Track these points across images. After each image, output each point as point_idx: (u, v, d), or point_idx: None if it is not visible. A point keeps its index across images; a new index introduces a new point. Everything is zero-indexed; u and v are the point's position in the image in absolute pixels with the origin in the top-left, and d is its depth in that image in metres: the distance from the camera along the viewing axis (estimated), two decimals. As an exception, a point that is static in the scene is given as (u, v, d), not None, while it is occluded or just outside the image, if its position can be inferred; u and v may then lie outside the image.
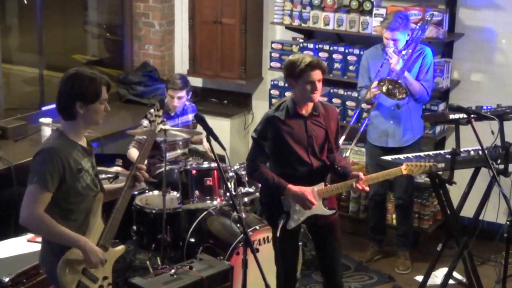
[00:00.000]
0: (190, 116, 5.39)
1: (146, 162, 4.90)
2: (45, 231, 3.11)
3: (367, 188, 3.85)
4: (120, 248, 3.39)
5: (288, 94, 5.88)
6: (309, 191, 3.81)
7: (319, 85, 3.79)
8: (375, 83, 4.88)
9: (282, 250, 3.89)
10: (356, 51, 5.64)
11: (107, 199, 3.34)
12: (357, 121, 5.33)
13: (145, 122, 5.17)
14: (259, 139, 3.85)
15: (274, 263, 4.13)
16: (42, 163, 3.07)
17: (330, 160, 3.94)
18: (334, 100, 5.72)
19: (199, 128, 3.79)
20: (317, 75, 3.76)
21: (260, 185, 4.76)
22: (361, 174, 3.82)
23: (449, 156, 4.36)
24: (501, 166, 4.40)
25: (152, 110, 3.87)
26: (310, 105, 3.87)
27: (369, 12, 5.58)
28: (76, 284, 3.14)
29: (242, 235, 4.01)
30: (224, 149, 3.58)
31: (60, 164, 3.07)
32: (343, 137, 4.95)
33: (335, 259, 4.07)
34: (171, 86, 5.23)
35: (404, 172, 3.96)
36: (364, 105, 5.33)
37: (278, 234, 3.77)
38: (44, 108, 5.83)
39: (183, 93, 5.24)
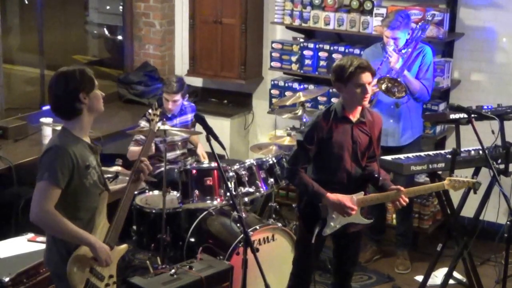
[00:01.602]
0: (190, 116, 5.37)
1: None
2: (56, 228, 3.09)
3: (407, 200, 3.79)
4: (124, 246, 3.39)
5: (288, 93, 5.88)
6: (348, 199, 3.74)
7: (369, 88, 3.73)
8: (374, 81, 4.88)
9: (308, 254, 3.88)
10: (357, 51, 5.63)
11: (110, 200, 3.35)
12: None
13: (142, 123, 5.16)
14: (305, 142, 3.77)
15: (275, 262, 4.14)
16: (53, 160, 3.06)
17: (370, 168, 3.88)
18: (333, 100, 5.72)
19: (200, 127, 3.78)
20: (367, 77, 3.71)
21: (263, 187, 4.79)
22: (401, 188, 3.77)
23: (450, 156, 4.36)
24: (502, 166, 4.41)
25: (150, 110, 3.86)
26: (359, 110, 3.79)
27: (370, 12, 5.58)
28: (85, 283, 3.14)
29: (242, 235, 4.01)
30: (224, 148, 3.58)
31: (70, 161, 3.08)
32: None
33: (353, 265, 4.08)
34: (165, 89, 5.19)
35: (447, 188, 3.92)
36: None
37: (313, 241, 3.74)
38: (44, 108, 5.83)
39: (178, 97, 5.20)
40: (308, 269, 3.98)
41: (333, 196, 3.73)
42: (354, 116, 3.80)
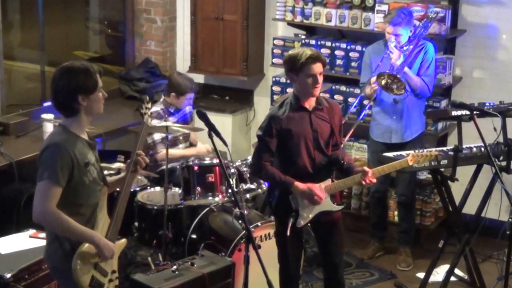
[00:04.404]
0: (188, 108, 5.37)
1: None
2: (59, 227, 3.10)
3: (374, 180, 3.84)
4: (123, 241, 3.42)
5: (290, 90, 5.87)
6: (317, 187, 3.80)
7: (320, 78, 3.78)
8: (374, 78, 4.88)
9: (288, 247, 3.89)
10: (359, 48, 5.63)
11: (109, 191, 3.36)
12: (360, 105, 5.30)
13: (154, 121, 5.14)
14: (264, 136, 3.83)
15: (276, 259, 4.13)
16: (52, 158, 3.05)
17: (335, 156, 3.93)
18: (336, 96, 5.71)
19: (202, 124, 3.77)
20: (318, 68, 3.76)
21: (265, 184, 4.79)
22: (366, 168, 3.83)
23: (452, 153, 4.35)
24: (504, 163, 4.40)
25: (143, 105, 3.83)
26: (313, 99, 3.86)
27: (372, 9, 5.57)
28: (90, 280, 3.15)
29: (244, 232, 4.00)
30: (226, 145, 3.58)
31: (69, 158, 3.07)
32: (349, 134, 4.95)
33: (338, 256, 4.07)
34: (188, 90, 5.17)
35: (410, 163, 3.92)
36: (365, 102, 5.33)
37: (288, 234, 3.78)
38: (45, 104, 5.82)
39: (193, 95, 5.31)
40: (291, 263, 3.98)
41: (301, 185, 3.78)
42: (310, 105, 3.86)
